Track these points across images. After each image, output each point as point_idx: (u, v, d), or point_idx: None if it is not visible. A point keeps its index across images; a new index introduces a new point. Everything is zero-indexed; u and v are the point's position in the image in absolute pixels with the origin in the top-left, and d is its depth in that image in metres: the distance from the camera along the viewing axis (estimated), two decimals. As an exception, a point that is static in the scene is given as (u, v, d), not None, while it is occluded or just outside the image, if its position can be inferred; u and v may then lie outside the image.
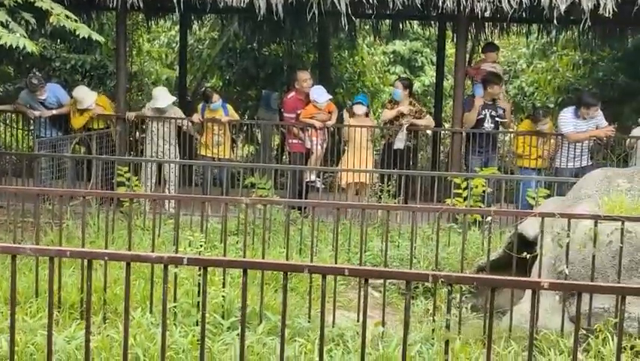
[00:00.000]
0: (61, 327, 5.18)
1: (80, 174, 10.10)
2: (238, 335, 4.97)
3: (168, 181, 10.18)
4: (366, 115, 10.52)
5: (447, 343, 3.29)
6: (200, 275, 5.54)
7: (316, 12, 8.96)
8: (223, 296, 5.46)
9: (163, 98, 10.46)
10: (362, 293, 5.55)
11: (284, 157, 13.18)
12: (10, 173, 10.49)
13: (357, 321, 5.52)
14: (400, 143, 10.29)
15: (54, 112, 10.29)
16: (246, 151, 14.79)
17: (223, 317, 5.33)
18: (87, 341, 3.42)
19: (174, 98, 10.79)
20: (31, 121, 11.07)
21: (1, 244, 3.67)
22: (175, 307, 5.40)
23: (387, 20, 14.06)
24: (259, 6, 8.99)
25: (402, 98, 10.39)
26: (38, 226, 6.25)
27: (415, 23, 15.31)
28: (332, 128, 10.51)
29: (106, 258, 3.43)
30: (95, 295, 5.80)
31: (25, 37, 6.62)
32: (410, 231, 7.67)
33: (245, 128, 12.84)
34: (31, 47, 6.59)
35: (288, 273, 3.64)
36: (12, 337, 3.43)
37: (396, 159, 10.24)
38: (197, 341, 4.94)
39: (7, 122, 12.36)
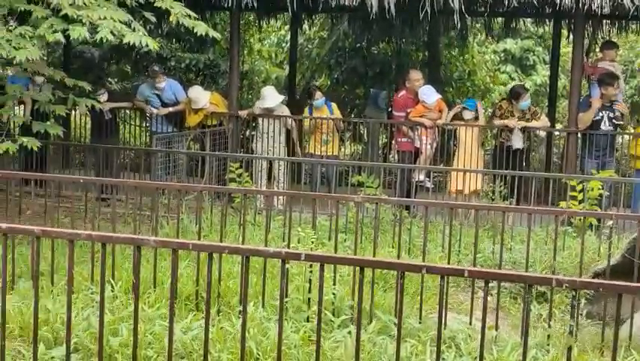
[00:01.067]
0: (177, 318, 5.31)
1: (194, 170, 10.36)
2: (349, 332, 5.00)
3: (277, 178, 10.31)
4: (476, 119, 10.34)
5: (569, 349, 3.18)
6: (311, 272, 5.60)
7: (429, 10, 8.87)
8: (334, 294, 5.48)
9: (271, 97, 10.60)
10: (478, 295, 5.47)
11: (390, 156, 13.12)
12: (128, 168, 10.88)
13: (470, 324, 5.42)
14: (517, 142, 10.08)
15: (170, 109, 10.60)
16: (352, 150, 14.82)
17: (333, 314, 5.35)
18: (206, 332, 3.49)
19: (282, 97, 10.91)
20: (148, 118, 11.46)
21: (126, 235, 3.80)
22: (286, 302, 5.45)
23: (500, 18, 13.77)
24: (371, 4, 8.97)
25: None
26: (157, 219, 6.44)
27: (529, 21, 14.93)
28: (441, 128, 10.38)
29: (226, 251, 3.49)
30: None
31: (145, 35, 6.83)
32: (523, 233, 7.51)
33: (351, 126, 12.86)
34: (152, 44, 6.81)
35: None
36: (135, 326, 3.55)
37: (508, 160, 10.02)
38: (309, 337, 4.99)
39: (126, 119, 12.87)
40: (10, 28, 6.83)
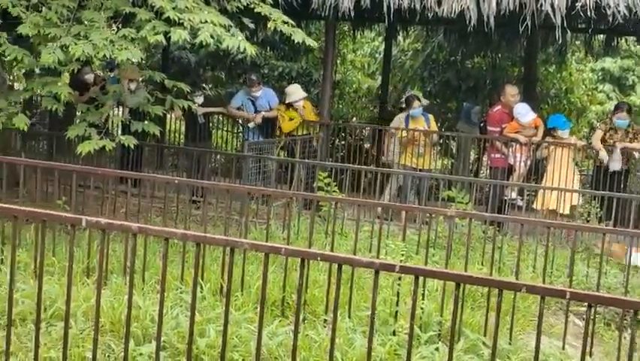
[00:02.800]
0: (264, 323, 5.31)
1: (282, 177, 10.42)
2: (436, 349, 4.89)
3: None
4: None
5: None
6: (399, 285, 5.51)
7: (529, 24, 8.65)
8: (422, 308, 5.38)
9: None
10: (569, 319, 5.25)
11: (480, 172, 12.88)
12: (219, 173, 11.03)
13: (563, 348, 5.23)
14: (616, 164, 9.73)
15: (264, 113, 10.68)
16: (442, 164, 14.61)
17: (420, 329, 5.25)
18: (295, 339, 3.46)
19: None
20: (240, 124, 11.59)
21: (220, 237, 3.81)
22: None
23: (601, 35, 13.36)
24: (470, 17, 8.82)
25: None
26: (246, 224, 6.48)
27: (631, 39, 14.43)
28: (534, 145, 10.09)
29: (318, 258, 3.45)
30: (295, 295, 5.93)
31: (244, 40, 6.89)
32: (617, 257, 7.22)
33: (442, 140, 12.68)
34: (250, 49, 6.86)
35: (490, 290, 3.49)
36: (225, 328, 3.54)
37: (605, 182, 9.67)
38: (395, 351, 4.90)
39: (218, 125, 13.08)
40: (113, 30, 7.01)
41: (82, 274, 5.98)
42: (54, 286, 5.37)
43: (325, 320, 5.45)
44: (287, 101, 10.55)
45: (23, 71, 10.81)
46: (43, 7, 7.05)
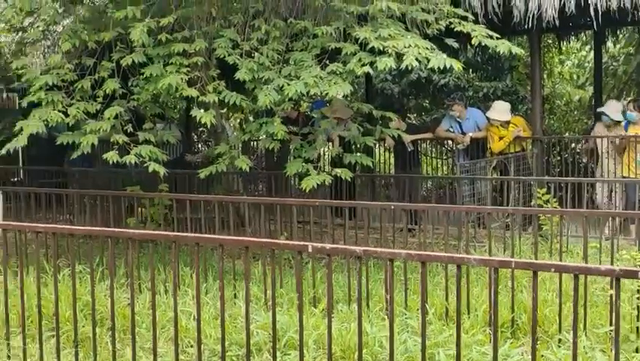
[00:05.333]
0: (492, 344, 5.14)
1: (497, 199, 10.14)
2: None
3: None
4: None
5: None
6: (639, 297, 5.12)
7: None
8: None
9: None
10: None
11: None
12: (432, 200, 11.00)
13: None
14: None
15: (471, 135, 10.50)
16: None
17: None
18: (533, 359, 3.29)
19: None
20: (449, 150, 11.46)
21: (446, 254, 3.74)
22: (611, 331, 5.03)
23: None
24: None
25: None
26: (467, 246, 6.34)
27: None
28: None
29: (552, 269, 3.27)
30: (525, 314, 5.70)
31: (448, 58, 6.83)
32: None
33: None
34: (456, 65, 6.78)
35: None
36: (458, 351, 3.44)
37: None
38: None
39: (426, 152, 13.06)
40: (321, 67, 7.23)
41: (309, 304, 6.14)
42: (284, 317, 5.55)
43: (560, 340, 5.17)
44: (494, 118, 10.26)
45: (241, 117, 11.49)
46: (256, 53, 7.43)
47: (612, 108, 10.19)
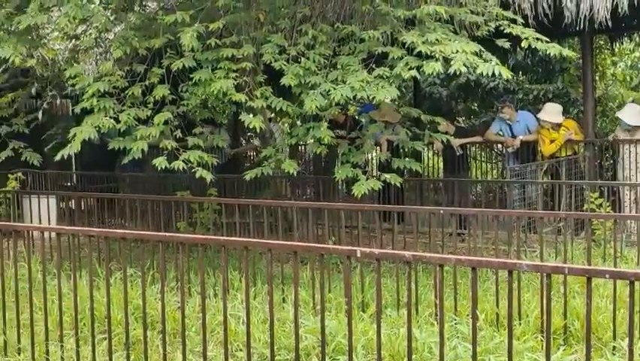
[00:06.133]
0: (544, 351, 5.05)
1: (548, 204, 9.99)
2: None
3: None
4: None
5: None
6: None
7: None
8: None
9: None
10: None
11: None
12: (482, 205, 10.90)
13: None
14: None
15: (521, 138, 10.38)
16: None
17: None
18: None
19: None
20: (498, 154, 11.33)
21: (499, 260, 3.69)
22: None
23: None
24: None
25: None
26: (518, 250, 6.25)
27: None
28: None
29: (607, 275, 3.19)
30: (578, 321, 5.59)
31: (498, 64, 6.75)
32: None
33: None
34: (505, 73, 6.70)
35: None
36: (509, 358, 3.39)
37: None
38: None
39: (475, 156, 12.92)
40: (368, 71, 7.21)
41: (357, 309, 6.11)
42: (332, 321, 5.53)
43: (614, 347, 5.06)
44: (547, 120, 10.10)
45: (289, 121, 11.53)
46: (302, 58, 7.45)
47: (629, 112, 9.93)
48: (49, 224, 9.41)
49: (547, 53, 7.10)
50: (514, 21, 7.41)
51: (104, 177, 12.15)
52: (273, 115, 10.71)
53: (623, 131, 9.97)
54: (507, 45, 7.52)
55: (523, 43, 7.07)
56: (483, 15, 7.56)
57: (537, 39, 7.08)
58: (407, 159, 8.02)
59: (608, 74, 15.99)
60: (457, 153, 10.74)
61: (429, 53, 6.76)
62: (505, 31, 7.38)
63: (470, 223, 8.51)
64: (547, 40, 7.21)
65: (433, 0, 7.27)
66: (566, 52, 7.06)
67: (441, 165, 13.11)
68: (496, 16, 7.52)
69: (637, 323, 5.13)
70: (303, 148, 12.34)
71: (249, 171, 7.93)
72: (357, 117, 11.75)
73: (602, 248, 7.37)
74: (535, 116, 10.48)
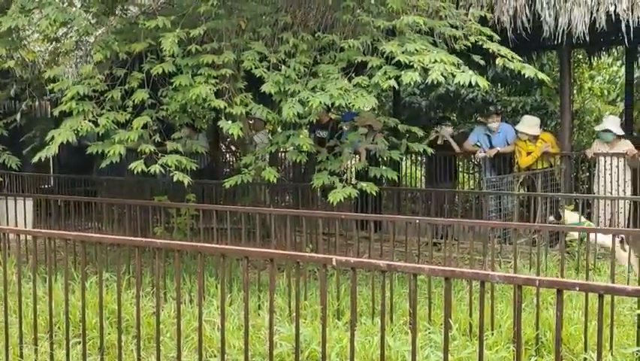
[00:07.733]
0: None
1: (524, 216, 10.08)
2: None
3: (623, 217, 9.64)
4: None
5: None
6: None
7: None
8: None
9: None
10: None
11: None
12: (458, 215, 10.98)
13: None
14: None
15: (498, 149, 10.48)
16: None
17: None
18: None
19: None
20: (476, 163, 11.43)
21: (471, 270, 3.73)
22: (638, 353, 4.98)
23: None
24: None
25: None
26: (492, 261, 6.31)
27: None
28: None
29: (577, 288, 3.24)
30: (550, 332, 5.65)
31: (475, 74, 6.83)
32: None
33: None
34: (482, 83, 6.79)
35: None
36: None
37: None
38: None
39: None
40: (347, 80, 7.27)
41: (333, 316, 6.14)
42: (307, 329, 5.55)
43: (585, 359, 5.13)
44: (521, 130, 10.21)
45: (269, 128, 11.56)
46: (282, 66, 7.49)
47: (613, 123, 10.12)
48: (25, 227, 9.36)
49: (522, 73, 7.21)
50: (490, 38, 7.52)
51: (82, 181, 12.10)
52: (253, 122, 10.74)
53: (602, 144, 10.09)
54: (482, 62, 7.63)
55: (498, 61, 7.18)
56: (462, 29, 7.65)
57: (512, 58, 7.18)
58: (384, 167, 8.07)
59: (586, 88, 16.19)
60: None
61: (407, 62, 6.83)
62: (483, 46, 7.48)
63: (447, 233, 8.58)
64: (521, 60, 7.31)
65: (413, 11, 7.34)
66: (541, 75, 7.16)
67: (419, 174, 13.21)
68: (474, 31, 7.63)
69: (607, 335, 5.23)
70: (283, 155, 12.38)
71: (229, 178, 7.94)
72: (339, 120, 11.82)
73: (576, 260, 7.47)
74: (514, 128, 10.58)
